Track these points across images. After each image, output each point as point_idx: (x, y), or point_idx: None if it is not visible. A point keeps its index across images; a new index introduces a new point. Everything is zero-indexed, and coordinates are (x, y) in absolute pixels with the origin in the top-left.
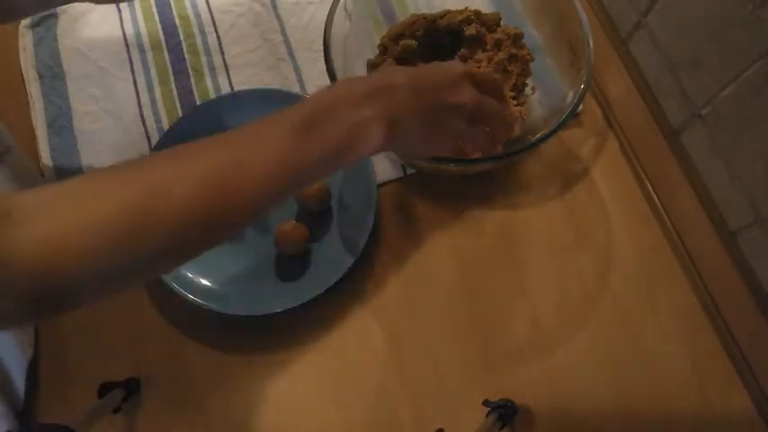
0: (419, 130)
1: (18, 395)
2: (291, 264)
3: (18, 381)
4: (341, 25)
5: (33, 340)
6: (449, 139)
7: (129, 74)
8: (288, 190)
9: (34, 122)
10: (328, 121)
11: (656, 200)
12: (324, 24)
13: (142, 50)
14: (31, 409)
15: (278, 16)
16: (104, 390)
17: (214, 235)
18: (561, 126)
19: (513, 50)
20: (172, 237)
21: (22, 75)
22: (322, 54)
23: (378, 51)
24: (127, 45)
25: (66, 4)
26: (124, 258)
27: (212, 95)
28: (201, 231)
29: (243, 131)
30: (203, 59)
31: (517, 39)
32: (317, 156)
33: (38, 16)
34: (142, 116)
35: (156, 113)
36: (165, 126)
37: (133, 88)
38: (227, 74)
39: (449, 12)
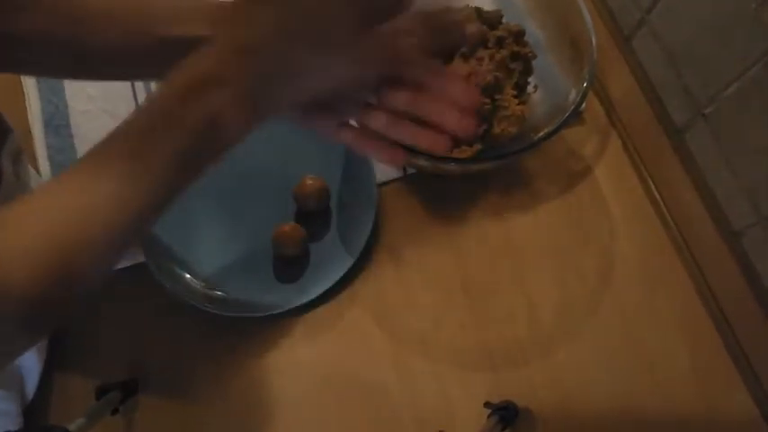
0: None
1: (27, 397)
2: (291, 264)
3: (30, 383)
4: None
5: (47, 346)
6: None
7: None
8: (138, 227)
9: (31, 121)
10: (166, 128)
11: (659, 199)
12: None
13: None
14: (34, 410)
15: None
16: (102, 391)
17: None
18: (564, 125)
19: (515, 48)
20: None
21: (19, 74)
22: None
23: None
24: None
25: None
26: None
27: None
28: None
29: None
30: None
31: (519, 36)
32: (161, 179)
33: None
34: None
35: None
36: None
37: (130, 87)
38: None
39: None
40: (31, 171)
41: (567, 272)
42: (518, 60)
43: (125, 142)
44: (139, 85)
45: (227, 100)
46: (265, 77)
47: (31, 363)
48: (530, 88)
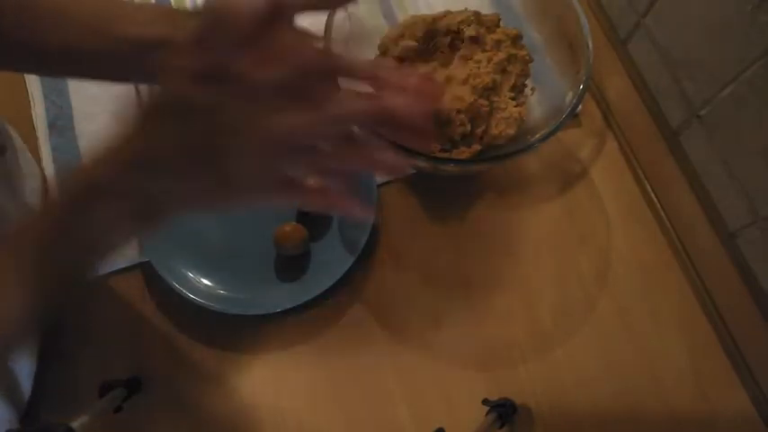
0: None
1: (23, 399)
2: (291, 264)
3: (25, 385)
4: (341, 27)
5: (39, 350)
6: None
7: None
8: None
9: (35, 123)
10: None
11: (655, 200)
12: (324, 26)
13: None
14: (35, 409)
15: None
16: (105, 389)
17: None
18: (560, 126)
19: (513, 51)
20: None
21: (23, 75)
22: None
23: (378, 52)
24: None
25: None
26: None
27: None
28: None
29: None
30: None
31: (516, 40)
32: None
33: None
34: None
35: None
36: None
37: (134, 88)
38: None
39: (449, 13)
40: (35, 171)
41: (565, 271)
42: (515, 63)
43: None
44: (144, 91)
45: (113, 214)
46: (155, 196)
47: (23, 361)
48: (527, 90)
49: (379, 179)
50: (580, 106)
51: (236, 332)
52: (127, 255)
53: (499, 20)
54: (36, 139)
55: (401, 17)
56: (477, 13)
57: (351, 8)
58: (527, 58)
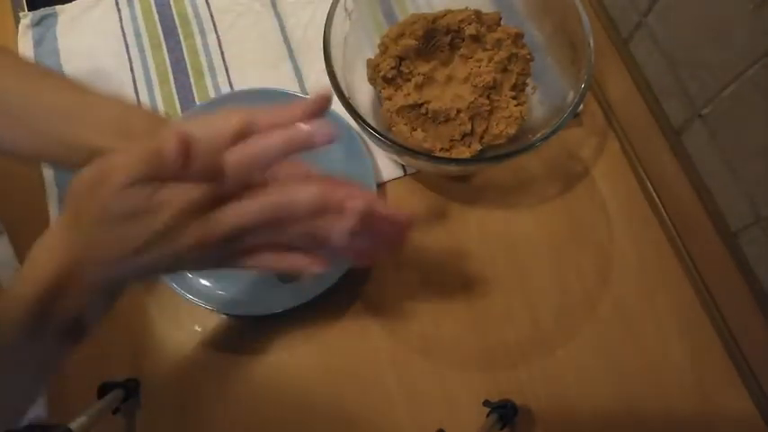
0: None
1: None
2: None
3: None
4: (341, 25)
5: None
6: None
7: (129, 73)
8: None
9: None
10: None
11: (657, 200)
12: (324, 24)
13: (142, 50)
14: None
15: (277, 15)
16: (104, 390)
17: None
18: (561, 126)
19: (514, 50)
20: None
21: None
22: (322, 54)
23: (378, 51)
24: (126, 45)
25: None
26: None
27: (212, 95)
28: None
29: None
30: (203, 59)
31: (518, 38)
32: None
33: (37, 15)
34: None
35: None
36: None
37: (133, 88)
38: (227, 73)
39: (449, 11)
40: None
41: (566, 272)
42: (516, 62)
43: None
44: (141, 85)
45: (74, 307)
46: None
47: None
48: (528, 89)
49: (379, 179)
50: (581, 105)
51: (236, 332)
52: None
53: (500, 18)
54: None
55: (401, 16)
56: (477, 12)
57: (350, 6)
58: (528, 56)
